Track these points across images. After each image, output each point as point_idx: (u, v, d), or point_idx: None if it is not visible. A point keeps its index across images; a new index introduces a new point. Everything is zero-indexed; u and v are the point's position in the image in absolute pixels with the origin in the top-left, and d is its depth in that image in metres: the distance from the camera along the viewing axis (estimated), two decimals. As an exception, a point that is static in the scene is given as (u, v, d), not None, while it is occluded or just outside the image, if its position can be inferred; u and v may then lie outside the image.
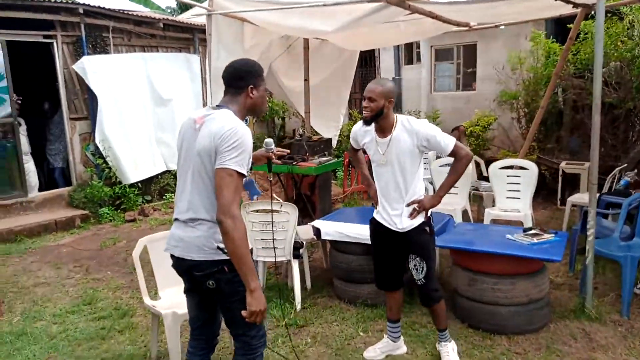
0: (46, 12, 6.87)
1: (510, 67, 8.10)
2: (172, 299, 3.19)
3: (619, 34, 6.49)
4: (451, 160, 3.02)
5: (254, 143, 2.24)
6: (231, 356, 2.46)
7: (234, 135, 2.05)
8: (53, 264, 5.37)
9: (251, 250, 2.22)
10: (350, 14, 4.38)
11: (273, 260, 4.08)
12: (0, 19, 6.39)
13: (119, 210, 7.28)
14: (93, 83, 7.16)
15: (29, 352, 3.47)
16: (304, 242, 4.26)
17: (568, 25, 5.93)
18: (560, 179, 6.76)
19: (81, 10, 7.11)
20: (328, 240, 4.24)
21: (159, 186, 7.96)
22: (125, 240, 6.17)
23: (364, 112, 2.91)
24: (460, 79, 10.26)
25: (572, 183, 6.75)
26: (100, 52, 7.42)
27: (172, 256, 2.29)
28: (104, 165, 7.30)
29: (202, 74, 8.30)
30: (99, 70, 7.21)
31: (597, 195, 3.97)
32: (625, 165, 5.88)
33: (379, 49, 11.22)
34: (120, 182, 7.38)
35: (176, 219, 2.27)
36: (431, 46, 10.34)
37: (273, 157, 2.66)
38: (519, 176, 5.36)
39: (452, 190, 5.41)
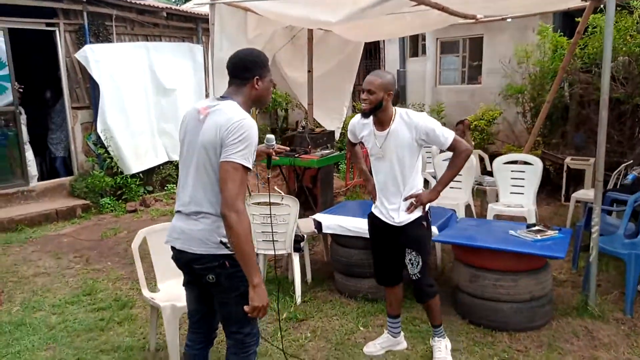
0: (48, -1, 6.83)
1: (517, 61, 8.01)
2: (171, 292, 3.17)
3: (628, 28, 6.39)
4: None
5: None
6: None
7: (240, 128, 2.01)
8: (53, 253, 5.36)
9: None
10: (355, 5, 4.32)
11: (272, 253, 4.05)
12: (3, 6, 6.34)
13: (120, 201, 7.26)
14: (95, 72, 7.11)
15: (27, 342, 3.46)
16: (305, 236, 4.23)
17: (576, 19, 5.84)
18: (564, 174, 6.71)
19: (84, -2, 7.06)
20: (329, 233, 4.21)
21: (161, 177, 7.93)
22: (126, 230, 6.16)
23: (362, 104, 2.87)
24: (465, 72, 10.17)
25: (576, 179, 6.70)
26: (102, 41, 7.36)
27: (172, 248, 2.26)
28: (106, 155, 7.27)
29: (205, 64, 8.24)
30: (101, 59, 7.15)
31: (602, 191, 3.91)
32: (632, 161, 5.82)
33: (384, 41, 11.16)
34: (121, 172, 7.36)
35: (178, 211, 2.24)
36: (437, 38, 10.24)
37: (273, 153, 2.63)
38: (523, 171, 5.31)
39: (455, 184, 5.44)
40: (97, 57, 7.12)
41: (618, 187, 5.33)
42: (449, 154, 2.99)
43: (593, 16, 6.01)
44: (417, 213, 2.95)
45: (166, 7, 8.32)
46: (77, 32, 7.21)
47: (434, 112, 9.60)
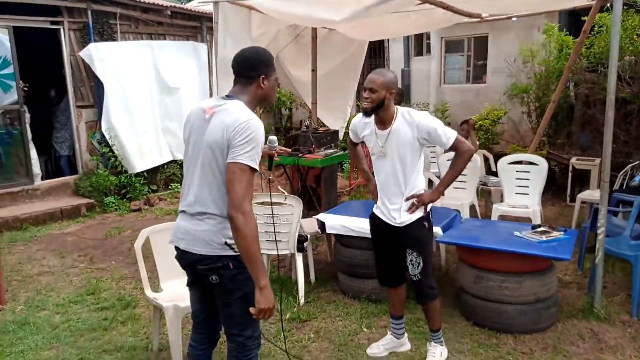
0: (53, -2, 6.83)
1: (522, 60, 7.96)
2: (174, 292, 3.17)
3: (635, 27, 6.34)
4: None
5: None
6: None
7: (247, 128, 2.00)
8: (58, 252, 5.37)
9: None
10: (360, 3, 4.29)
11: (275, 253, 4.04)
12: (7, 5, 6.34)
13: (124, 200, 7.27)
14: (100, 70, 7.11)
15: (31, 341, 3.46)
16: (308, 236, 4.21)
17: (582, 18, 5.80)
18: (570, 175, 6.67)
19: (88, -3, 7.07)
20: (332, 233, 4.19)
21: (165, 176, 7.93)
22: (130, 229, 6.16)
23: (364, 103, 2.85)
24: (470, 71, 10.12)
25: (582, 179, 6.65)
26: (107, 39, 7.36)
27: (176, 248, 2.25)
28: (110, 153, 7.27)
29: (209, 63, 8.23)
30: (105, 57, 7.15)
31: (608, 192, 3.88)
32: (638, 162, 5.77)
33: (388, 40, 11.11)
34: (126, 171, 7.36)
35: (183, 211, 2.22)
36: (441, 37, 10.20)
37: (275, 155, 2.62)
38: (528, 172, 5.28)
39: (460, 185, 5.41)
40: (101, 55, 7.12)
41: (624, 187, 5.29)
42: (454, 154, 2.97)
43: (599, 15, 5.96)
44: (419, 213, 2.93)
45: (170, 6, 8.30)
46: (82, 31, 7.21)
47: (438, 112, 9.55)
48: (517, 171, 5.33)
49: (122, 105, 7.29)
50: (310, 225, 4.33)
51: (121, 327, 3.67)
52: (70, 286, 4.47)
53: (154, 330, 3.32)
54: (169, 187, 7.88)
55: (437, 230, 3.74)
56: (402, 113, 2.89)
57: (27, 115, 6.92)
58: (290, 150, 2.78)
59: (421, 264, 2.92)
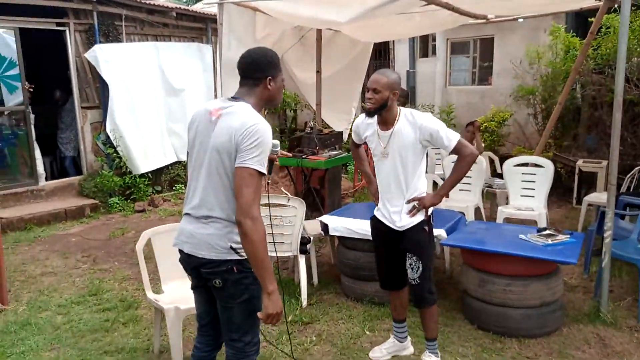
0: (59, -1, 6.86)
1: (528, 62, 7.91)
2: (175, 293, 3.15)
3: (643, 29, 6.28)
4: None
5: None
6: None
7: (255, 133, 1.98)
8: (61, 253, 5.37)
9: None
10: (364, 5, 4.28)
11: (279, 256, 4.01)
12: (13, 6, 6.37)
13: (128, 201, 7.27)
14: (105, 72, 7.13)
15: (32, 342, 3.45)
16: (312, 238, 4.18)
17: (589, 19, 5.75)
18: (576, 177, 6.61)
19: (94, -2, 7.08)
20: (336, 236, 4.16)
21: (170, 177, 7.94)
22: (134, 230, 6.15)
23: (367, 103, 2.83)
24: (476, 73, 10.07)
25: (588, 182, 6.59)
26: (112, 41, 7.38)
27: (180, 252, 2.22)
28: (115, 154, 7.29)
29: (214, 65, 8.23)
30: (111, 59, 7.17)
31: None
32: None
33: (393, 41, 11.08)
34: (130, 172, 7.37)
35: (187, 214, 2.19)
36: (447, 39, 10.15)
37: (277, 159, 2.60)
38: (534, 174, 5.23)
39: (465, 187, 5.37)
40: (106, 57, 7.14)
41: (632, 190, 5.23)
42: (457, 157, 2.92)
43: (607, 16, 5.90)
44: (419, 217, 2.89)
45: (176, 7, 8.33)
46: (87, 32, 7.23)
47: (443, 113, 9.50)
48: (522, 173, 5.28)
49: (127, 106, 7.31)
50: (313, 227, 4.30)
51: (123, 328, 3.66)
52: (73, 287, 4.46)
53: (155, 332, 3.30)
54: (174, 188, 7.88)
55: (441, 232, 3.71)
56: (405, 114, 2.86)
57: (32, 116, 6.94)
58: (290, 154, 2.76)
59: (420, 269, 2.88)
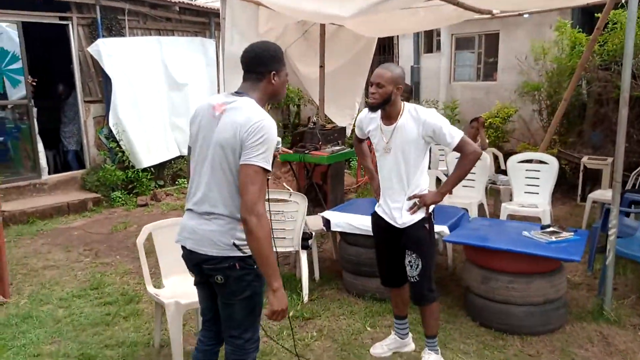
0: (62, -7, 6.84)
1: (534, 58, 7.84)
2: (175, 288, 3.14)
3: (650, 24, 6.20)
4: None
5: None
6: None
7: (260, 129, 1.96)
8: (63, 246, 5.38)
9: None
10: (368, -1, 4.23)
11: (280, 250, 3.99)
12: (17, 0, 6.36)
13: (131, 195, 7.27)
14: (108, 66, 7.12)
15: (33, 335, 3.45)
16: (313, 233, 4.17)
17: (596, 15, 5.68)
18: (581, 174, 6.56)
19: (97, -8, 7.06)
20: (338, 231, 4.14)
21: (172, 171, 7.93)
22: (136, 224, 6.15)
23: (371, 98, 2.79)
24: (480, 68, 10.00)
25: (593, 179, 6.55)
26: (115, 35, 7.37)
27: (183, 248, 2.21)
28: (118, 149, 7.29)
29: (217, 59, 8.20)
30: (114, 53, 7.16)
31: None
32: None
33: (398, 36, 11.00)
34: (133, 166, 7.36)
35: (189, 210, 2.17)
36: (452, 34, 10.09)
37: (278, 155, 2.57)
38: (538, 170, 5.20)
39: (468, 183, 5.33)
40: (109, 51, 7.12)
41: (637, 187, 5.19)
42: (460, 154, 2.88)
43: (613, 12, 5.84)
44: (420, 215, 2.86)
45: (179, 2, 8.29)
46: (90, 26, 7.22)
47: (448, 109, 9.46)
48: (527, 170, 5.24)
49: (129, 100, 7.30)
50: (315, 223, 4.29)
51: (123, 322, 3.66)
52: (75, 280, 4.46)
53: (155, 326, 3.29)
54: (176, 182, 7.88)
55: (444, 229, 3.69)
56: (408, 109, 2.83)
57: (35, 110, 6.94)
58: (291, 151, 2.73)
59: (420, 266, 2.85)
